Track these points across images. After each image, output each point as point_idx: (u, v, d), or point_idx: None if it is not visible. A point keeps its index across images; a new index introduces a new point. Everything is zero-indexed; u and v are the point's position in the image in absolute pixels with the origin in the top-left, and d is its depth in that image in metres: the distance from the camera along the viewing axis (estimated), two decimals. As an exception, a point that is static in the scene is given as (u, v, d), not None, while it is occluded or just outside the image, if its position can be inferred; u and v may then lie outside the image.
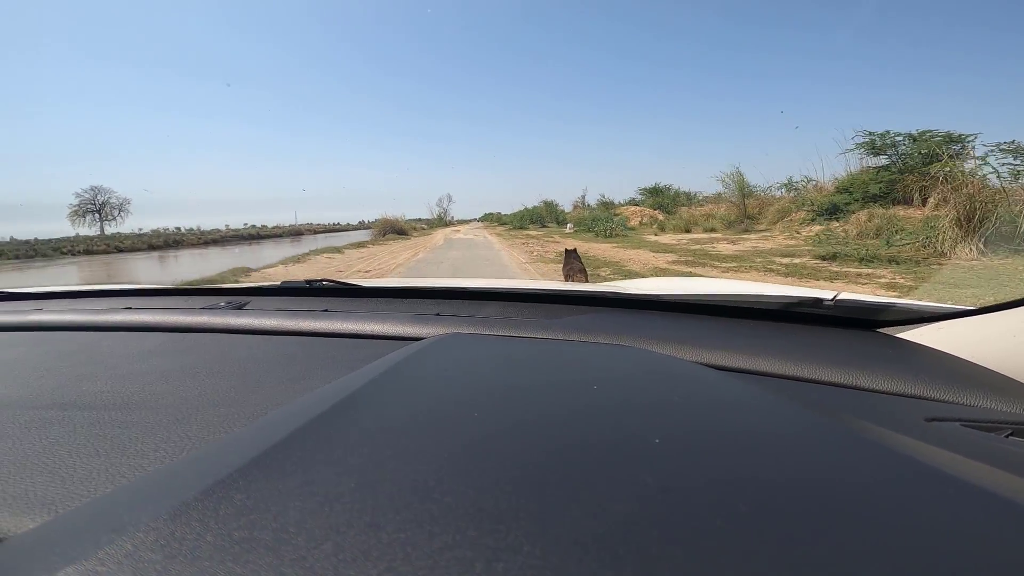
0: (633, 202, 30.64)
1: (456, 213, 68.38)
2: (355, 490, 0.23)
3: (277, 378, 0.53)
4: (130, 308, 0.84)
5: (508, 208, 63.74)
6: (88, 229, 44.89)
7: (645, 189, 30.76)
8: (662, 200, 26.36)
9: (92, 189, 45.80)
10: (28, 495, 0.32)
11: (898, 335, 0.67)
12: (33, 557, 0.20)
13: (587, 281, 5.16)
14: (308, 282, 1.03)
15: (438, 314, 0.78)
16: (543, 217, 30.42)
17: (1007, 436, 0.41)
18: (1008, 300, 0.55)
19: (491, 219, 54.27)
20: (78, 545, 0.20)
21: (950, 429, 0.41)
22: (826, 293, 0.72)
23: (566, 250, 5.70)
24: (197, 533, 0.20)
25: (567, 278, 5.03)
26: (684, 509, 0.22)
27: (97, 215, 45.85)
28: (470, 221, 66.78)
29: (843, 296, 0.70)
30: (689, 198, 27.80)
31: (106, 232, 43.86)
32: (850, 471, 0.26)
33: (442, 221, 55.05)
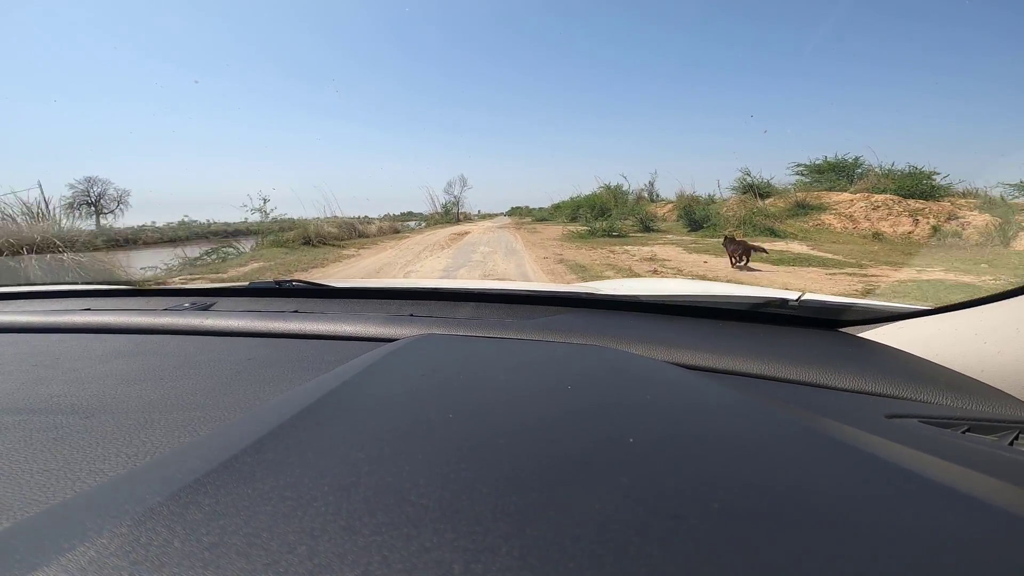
0: (806, 186, 14.81)
1: (479, 206, 53.01)
2: (329, 493, 0.22)
3: (245, 381, 0.52)
4: (89, 309, 0.82)
5: (535, 203, 48.09)
6: (84, 222, 35.29)
7: (809, 166, 15.91)
8: (905, 184, 11.79)
9: (87, 180, 37.73)
10: None
11: (860, 334, 0.68)
12: None
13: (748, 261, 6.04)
14: (277, 282, 1.01)
15: (412, 315, 0.77)
16: (612, 212, 15.71)
17: (963, 432, 0.41)
18: (961, 301, 0.56)
19: (519, 213, 39.30)
20: (39, 551, 0.19)
21: (909, 425, 0.42)
22: (791, 294, 0.73)
23: (725, 236, 6.38)
24: (164, 539, 0.19)
25: (734, 260, 6.00)
26: (659, 508, 0.21)
27: (93, 207, 37.13)
28: (495, 216, 51.12)
29: (807, 296, 0.70)
30: (938, 182, 12.17)
31: (102, 226, 34.60)
32: (816, 468, 0.26)
33: (448, 215, 34.82)
